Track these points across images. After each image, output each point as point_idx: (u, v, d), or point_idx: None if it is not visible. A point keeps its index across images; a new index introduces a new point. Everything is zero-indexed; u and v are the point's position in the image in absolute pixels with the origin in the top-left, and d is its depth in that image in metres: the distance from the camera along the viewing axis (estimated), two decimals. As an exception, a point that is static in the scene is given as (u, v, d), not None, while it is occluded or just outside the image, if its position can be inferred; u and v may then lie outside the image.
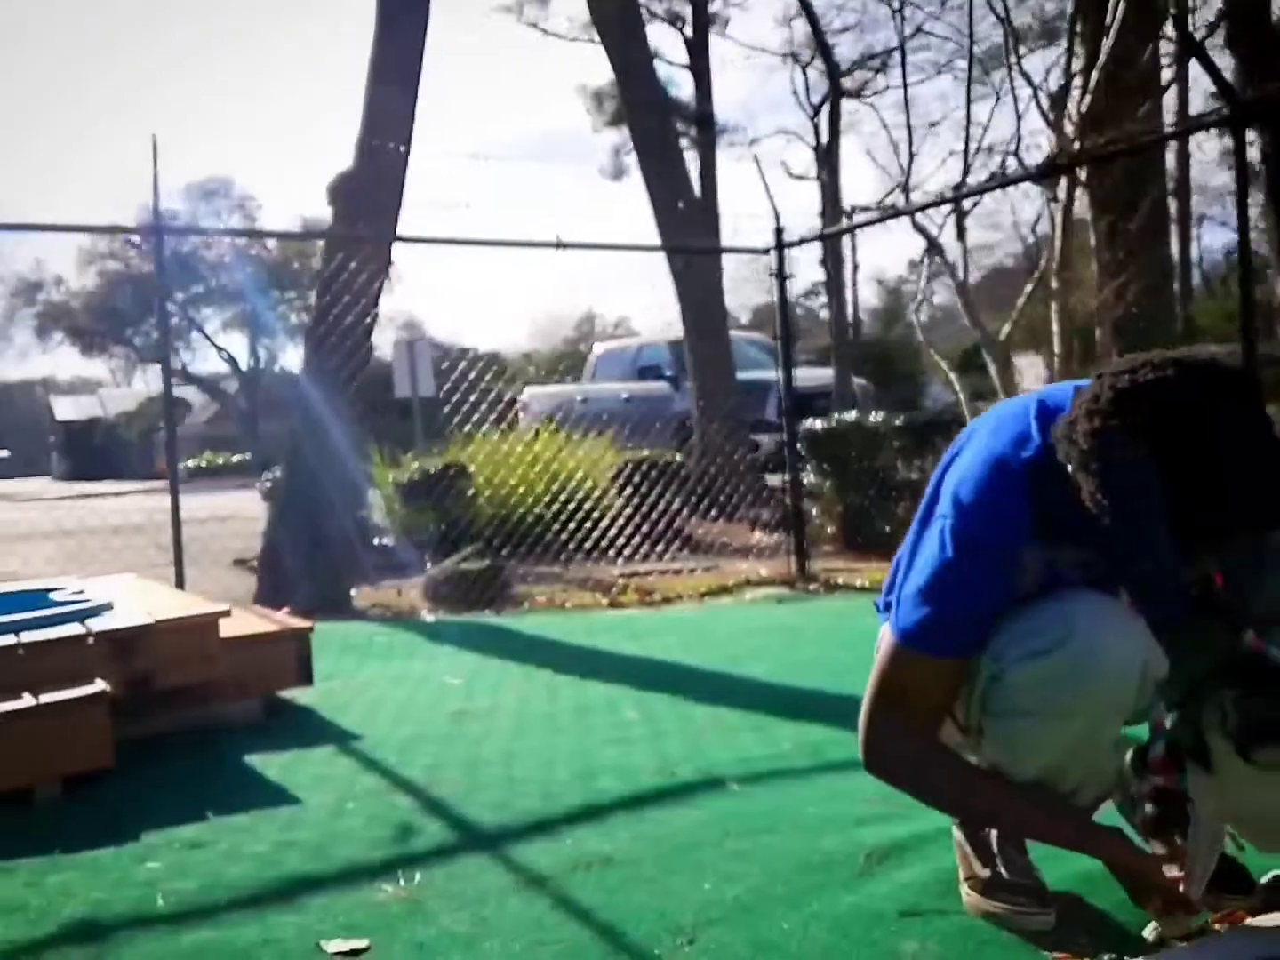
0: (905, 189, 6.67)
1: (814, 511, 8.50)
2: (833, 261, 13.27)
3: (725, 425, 9.81)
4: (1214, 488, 1.43)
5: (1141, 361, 1.53)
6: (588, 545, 8.35)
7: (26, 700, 2.90)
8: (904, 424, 7.99)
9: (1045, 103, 6.00)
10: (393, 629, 5.51)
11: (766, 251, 7.27)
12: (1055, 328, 5.93)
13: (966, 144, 6.42)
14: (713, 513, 8.69)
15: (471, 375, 7.81)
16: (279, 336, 34.41)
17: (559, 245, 6.63)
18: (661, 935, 1.88)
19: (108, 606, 3.58)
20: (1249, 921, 1.78)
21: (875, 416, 8.36)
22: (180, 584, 5.78)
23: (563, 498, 8.93)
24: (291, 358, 33.88)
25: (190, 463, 33.70)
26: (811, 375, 13.46)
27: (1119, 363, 1.56)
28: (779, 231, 7.19)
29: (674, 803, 2.59)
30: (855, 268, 30.79)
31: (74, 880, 2.31)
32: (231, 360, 34.11)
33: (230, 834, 2.54)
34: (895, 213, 6.60)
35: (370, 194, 6.91)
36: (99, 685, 3.01)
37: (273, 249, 32.41)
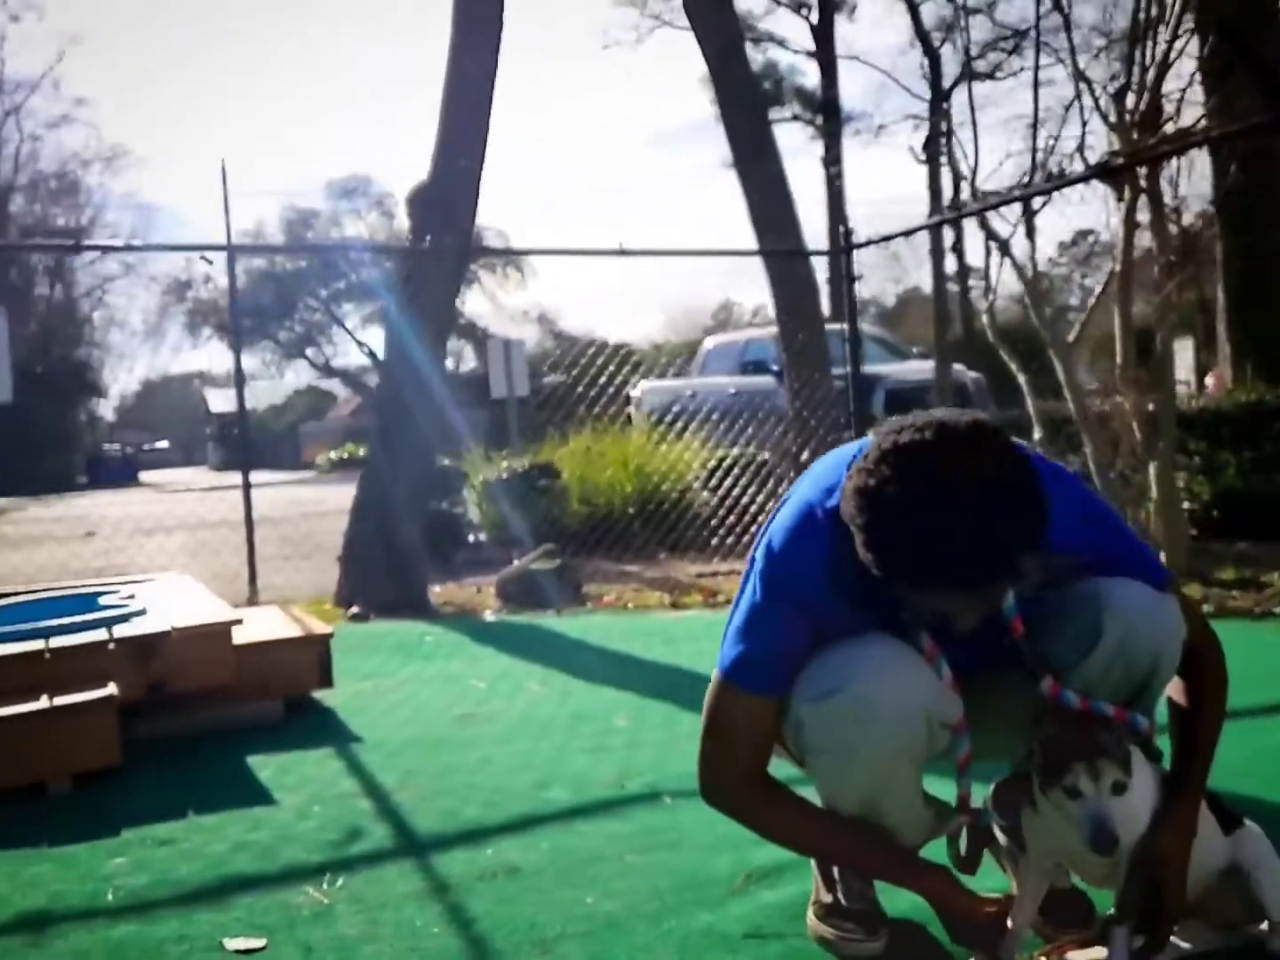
0: (972, 185, 6.58)
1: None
2: (936, 252, 13.03)
3: (818, 421, 9.80)
4: (959, 543, 1.48)
5: (910, 421, 1.59)
6: (675, 544, 8.51)
7: (40, 703, 3.16)
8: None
9: (1104, 100, 5.86)
10: (448, 629, 5.72)
11: (835, 254, 7.27)
12: (1118, 332, 5.81)
13: (1035, 141, 6.33)
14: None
15: (563, 369, 8.04)
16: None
17: (621, 252, 6.77)
18: (523, 946, 2.01)
19: (140, 612, 3.85)
20: (1070, 955, 1.82)
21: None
22: (253, 579, 6.10)
23: (651, 497, 9.11)
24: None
25: (333, 454, 34.90)
26: (921, 369, 13.27)
27: (893, 421, 1.62)
28: (847, 234, 7.20)
29: (606, 815, 2.70)
30: (988, 253, 30.00)
31: (46, 872, 2.54)
32: (372, 354, 35.16)
33: (199, 833, 2.75)
34: (958, 215, 6.55)
35: (445, 206, 7.15)
36: (109, 689, 3.26)
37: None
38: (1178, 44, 5.59)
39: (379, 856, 2.53)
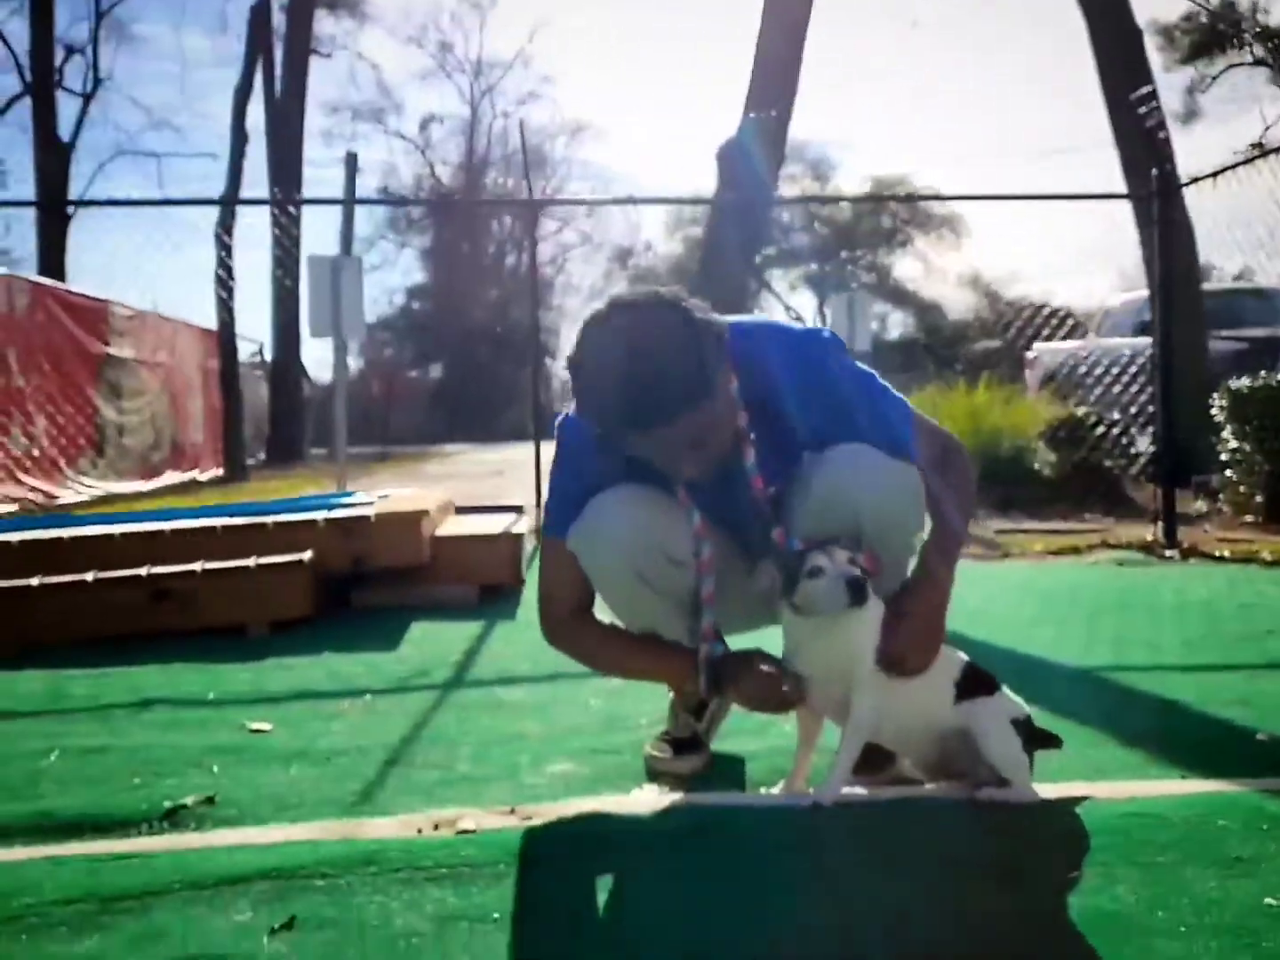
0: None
1: (1234, 477, 7.95)
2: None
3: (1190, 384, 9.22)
4: (615, 390, 1.74)
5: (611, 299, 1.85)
6: (1008, 501, 8.44)
7: (248, 562, 3.91)
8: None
9: None
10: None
11: (1147, 197, 6.89)
12: None
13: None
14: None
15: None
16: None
17: (839, 199, 6.81)
18: (346, 795, 2.21)
19: (366, 504, 4.57)
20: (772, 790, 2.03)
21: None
22: (538, 504, 6.80)
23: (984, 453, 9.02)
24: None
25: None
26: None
27: None
28: (1162, 176, 6.80)
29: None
30: None
31: (192, 675, 3.26)
32: (798, 318, 35.85)
33: (317, 665, 3.38)
34: (1264, 152, 6.03)
35: (748, 159, 7.50)
36: (302, 555, 3.97)
37: (845, 209, 33.44)
38: None
39: (405, 691, 3.04)
